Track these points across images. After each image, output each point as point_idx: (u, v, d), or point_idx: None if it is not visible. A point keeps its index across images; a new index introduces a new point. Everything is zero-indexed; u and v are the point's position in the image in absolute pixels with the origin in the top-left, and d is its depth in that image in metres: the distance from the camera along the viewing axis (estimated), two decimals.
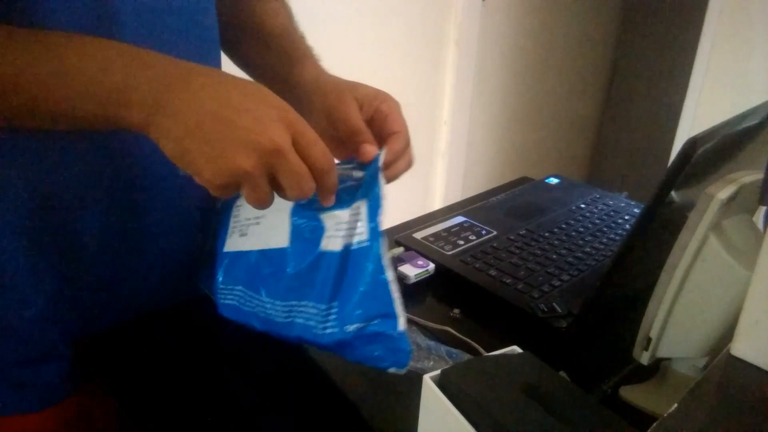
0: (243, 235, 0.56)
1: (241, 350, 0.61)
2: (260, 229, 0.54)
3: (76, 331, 0.61)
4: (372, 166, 0.51)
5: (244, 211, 0.57)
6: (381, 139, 0.55)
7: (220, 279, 0.57)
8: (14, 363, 0.58)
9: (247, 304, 0.54)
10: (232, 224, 0.57)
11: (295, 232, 0.51)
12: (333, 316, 0.49)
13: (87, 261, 0.59)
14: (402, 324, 0.48)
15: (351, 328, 0.48)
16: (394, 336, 0.48)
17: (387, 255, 0.49)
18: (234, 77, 0.45)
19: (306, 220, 0.51)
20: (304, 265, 0.50)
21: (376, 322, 0.48)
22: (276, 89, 0.46)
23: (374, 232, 0.48)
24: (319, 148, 0.44)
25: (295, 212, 0.51)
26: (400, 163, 0.56)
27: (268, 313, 0.52)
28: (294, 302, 0.50)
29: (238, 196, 0.58)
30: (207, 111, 0.41)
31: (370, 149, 0.51)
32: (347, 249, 0.49)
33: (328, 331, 0.49)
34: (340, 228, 0.49)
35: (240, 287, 0.55)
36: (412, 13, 1.71)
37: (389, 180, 0.54)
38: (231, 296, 0.55)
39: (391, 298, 0.48)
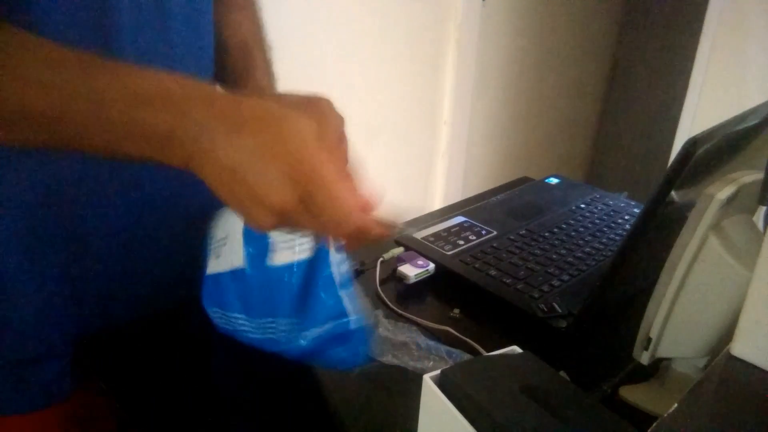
0: (217, 257, 0.55)
1: (240, 351, 0.61)
2: (227, 249, 0.54)
3: (76, 330, 0.61)
4: None
5: (216, 231, 0.56)
6: None
7: (204, 303, 0.57)
8: (14, 362, 0.58)
9: (229, 323, 0.55)
10: (211, 246, 0.57)
11: (248, 251, 0.51)
12: (295, 327, 0.50)
13: (88, 260, 0.59)
14: (355, 321, 0.49)
15: (310, 335, 0.49)
16: (351, 333, 0.49)
17: (338, 259, 0.50)
18: (260, 115, 0.41)
19: (255, 238, 0.51)
20: (261, 281, 0.51)
21: (331, 324, 0.49)
22: None
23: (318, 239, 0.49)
24: (329, 214, 0.40)
25: (246, 231, 0.51)
26: None
27: (247, 331, 0.53)
28: (263, 319, 0.52)
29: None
30: (226, 167, 0.40)
31: None
32: (298, 260, 0.49)
33: (293, 342, 0.50)
34: (287, 241, 0.49)
35: (220, 309, 0.55)
36: (412, 13, 1.70)
37: None
38: (217, 317, 0.56)
39: (340, 298, 0.49)
